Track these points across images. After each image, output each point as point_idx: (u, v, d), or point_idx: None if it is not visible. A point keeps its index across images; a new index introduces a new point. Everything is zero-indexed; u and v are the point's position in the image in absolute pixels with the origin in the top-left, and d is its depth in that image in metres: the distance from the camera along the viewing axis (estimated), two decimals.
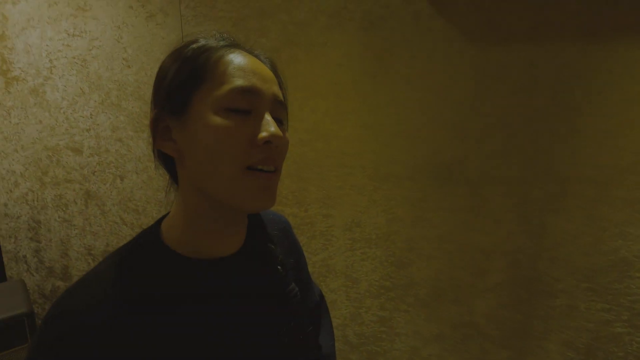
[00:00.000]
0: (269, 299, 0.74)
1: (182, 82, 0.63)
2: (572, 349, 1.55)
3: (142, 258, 0.65)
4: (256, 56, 0.69)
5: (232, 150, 0.60)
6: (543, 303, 1.56)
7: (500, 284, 1.60)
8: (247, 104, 0.62)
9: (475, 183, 1.57)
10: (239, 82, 0.61)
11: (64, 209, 2.20)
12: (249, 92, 0.62)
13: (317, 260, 1.85)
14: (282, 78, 0.73)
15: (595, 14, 1.37)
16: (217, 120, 0.60)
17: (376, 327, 1.81)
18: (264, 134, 0.61)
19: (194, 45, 0.65)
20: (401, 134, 1.63)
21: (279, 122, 0.67)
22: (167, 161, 0.71)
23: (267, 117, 0.63)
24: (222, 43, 0.66)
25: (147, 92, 1.91)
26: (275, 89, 0.66)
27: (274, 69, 0.72)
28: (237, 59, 0.64)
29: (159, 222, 0.71)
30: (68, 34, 1.98)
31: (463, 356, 1.69)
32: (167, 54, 0.68)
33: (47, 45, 2.02)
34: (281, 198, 1.85)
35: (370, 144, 1.68)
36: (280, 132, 0.62)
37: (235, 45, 0.67)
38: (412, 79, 1.59)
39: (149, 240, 0.67)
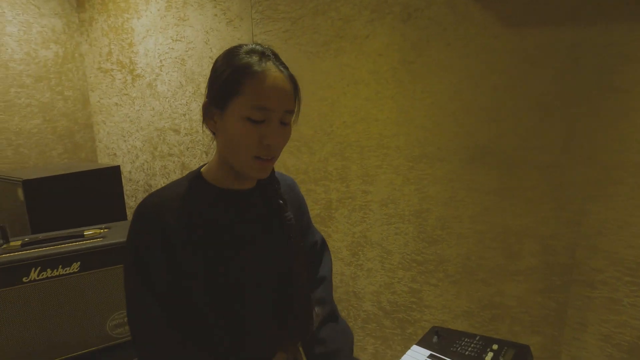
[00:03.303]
0: (270, 220, 0.96)
1: (226, 90, 0.82)
2: (612, 345, 1.34)
3: (190, 184, 0.90)
4: (282, 71, 0.84)
5: (245, 147, 0.82)
6: (579, 293, 1.37)
7: (532, 268, 1.44)
8: (262, 116, 0.81)
9: (508, 165, 1.43)
10: (261, 102, 0.80)
11: (167, 176, 2.50)
12: (266, 110, 0.81)
13: (356, 231, 1.83)
14: (298, 90, 0.89)
15: None
16: (240, 124, 0.81)
17: (407, 298, 1.74)
18: (268, 140, 0.82)
19: (241, 62, 0.82)
20: (435, 118, 1.55)
21: (285, 124, 0.85)
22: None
23: (275, 126, 0.82)
24: (259, 62, 0.82)
25: None
26: (289, 103, 0.84)
27: (293, 82, 0.87)
28: (266, 80, 0.80)
29: (199, 168, 0.95)
30: (172, 40, 2.22)
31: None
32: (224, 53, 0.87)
33: (158, 49, 2.29)
34: (326, 174, 1.86)
35: (406, 127, 1.62)
36: (279, 140, 0.84)
37: (270, 60, 0.83)
38: (448, 66, 1.49)
39: (193, 177, 0.92)
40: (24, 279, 1.64)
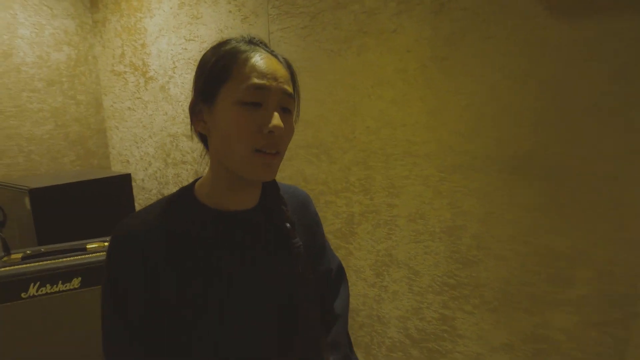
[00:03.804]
0: (274, 248, 0.85)
1: (213, 80, 0.75)
2: None
3: (178, 204, 0.82)
4: (275, 56, 0.78)
5: (243, 137, 0.73)
6: None
7: (585, 297, 1.29)
8: (257, 98, 0.73)
9: (557, 177, 1.30)
10: (253, 80, 0.73)
11: (180, 184, 2.45)
12: (260, 88, 0.73)
13: (380, 248, 1.73)
14: (295, 76, 0.83)
15: None
16: (233, 112, 0.73)
17: (438, 325, 1.61)
18: (268, 126, 0.72)
19: (226, 48, 0.77)
20: (471, 122, 1.44)
21: (287, 111, 0.77)
22: (202, 136, 0.84)
23: (274, 110, 0.74)
24: (247, 46, 0.77)
25: None
26: (285, 85, 0.76)
27: (289, 68, 0.81)
28: (256, 61, 0.74)
29: (194, 181, 0.86)
30: (185, 39, 2.18)
31: None
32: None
33: (171, 49, 2.25)
34: (348, 185, 1.78)
35: (438, 132, 1.51)
36: (281, 124, 0.73)
37: (258, 46, 0.78)
38: (486, 63, 1.38)
39: (184, 193, 0.83)
40: (23, 295, 1.61)
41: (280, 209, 0.88)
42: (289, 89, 0.77)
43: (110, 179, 2.47)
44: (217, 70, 0.75)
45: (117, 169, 3.08)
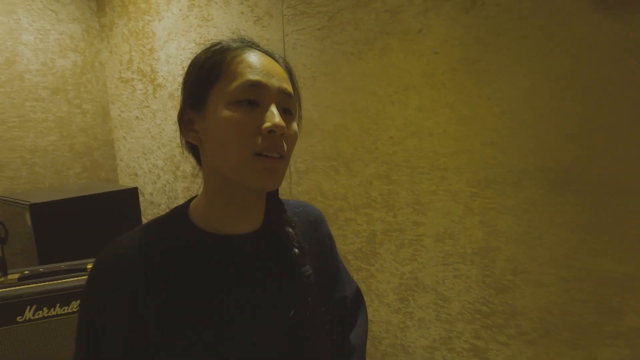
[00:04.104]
0: (279, 278, 0.80)
1: (201, 81, 0.73)
2: None
3: (169, 227, 0.78)
4: (270, 55, 0.77)
5: (240, 139, 0.69)
6: None
7: (638, 329, 1.22)
8: (253, 96, 0.70)
9: (604, 194, 1.24)
10: (247, 77, 0.70)
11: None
12: (256, 86, 0.70)
13: (405, 271, 1.69)
14: (294, 76, 0.81)
15: None
16: (227, 112, 0.69)
17: (469, 357, 1.56)
18: (267, 123, 0.69)
19: (215, 48, 0.75)
20: (506, 131, 1.40)
21: (287, 112, 0.75)
22: (193, 148, 0.82)
23: (273, 108, 0.71)
24: (238, 44, 0.75)
25: None
26: (284, 84, 0.74)
27: (287, 67, 0.80)
28: (248, 57, 0.72)
29: (190, 200, 0.83)
30: (195, 43, 2.20)
31: None
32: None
33: (180, 54, 2.27)
34: (369, 201, 1.75)
35: (469, 143, 1.48)
36: (282, 122, 0.69)
37: (251, 46, 0.76)
38: (523, 64, 1.34)
39: (177, 214, 0.80)
40: (18, 319, 1.61)
41: (286, 232, 0.84)
42: (288, 87, 0.75)
43: (116, 193, 2.47)
44: (206, 70, 0.73)
45: (125, 182, 3.11)
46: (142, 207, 2.90)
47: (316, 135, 1.86)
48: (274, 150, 0.70)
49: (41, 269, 1.83)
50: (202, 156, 0.78)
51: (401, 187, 1.66)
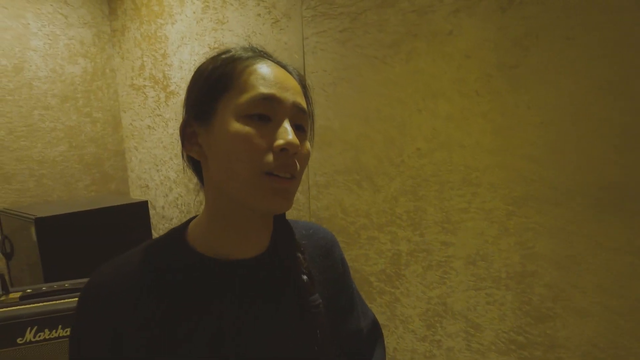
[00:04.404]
0: (285, 308, 0.79)
1: (209, 91, 0.72)
2: None
3: (164, 251, 0.77)
4: (283, 67, 0.77)
5: (249, 156, 0.68)
6: None
7: None
8: (265, 110, 0.69)
9: None
10: (259, 89, 0.69)
11: None
12: (269, 100, 0.69)
13: (432, 295, 1.68)
14: (309, 90, 0.81)
15: None
16: (237, 126, 0.68)
17: None
18: (280, 141, 0.68)
19: (224, 56, 0.75)
20: (547, 144, 1.37)
21: (301, 129, 0.74)
22: (195, 164, 0.81)
23: (286, 124, 0.70)
24: (250, 54, 0.75)
25: None
26: (298, 98, 0.73)
27: (301, 81, 0.79)
28: (261, 68, 0.72)
29: (189, 220, 0.82)
30: (210, 48, 2.23)
31: None
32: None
33: (194, 60, 2.30)
34: (394, 218, 1.73)
35: (505, 156, 1.46)
36: (296, 140, 0.68)
37: (263, 56, 0.76)
38: (567, 70, 1.31)
39: (174, 236, 0.79)
40: (19, 340, 1.63)
41: (295, 258, 0.82)
42: (303, 103, 0.74)
43: (125, 207, 2.52)
44: (215, 80, 0.72)
45: (136, 194, 3.16)
46: (153, 222, 2.94)
47: (337, 146, 1.86)
48: (286, 170, 0.69)
49: (44, 287, 1.85)
50: (205, 173, 0.77)
51: (429, 203, 1.65)
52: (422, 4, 1.57)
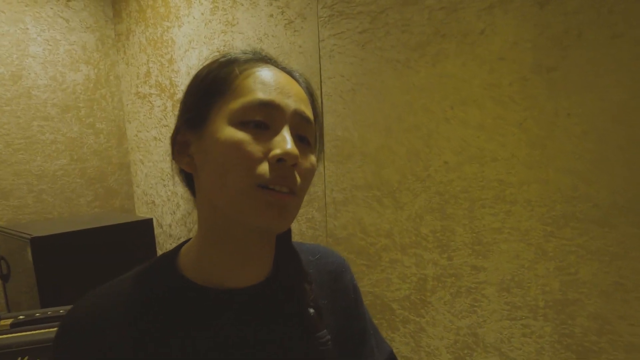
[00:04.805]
0: (289, 343, 0.77)
1: (203, 95, 0.72)
2: None
3: (152, 279, 0.75)
4: (288, 72, 0.76)
5: (242, 165, 0.66)
6: None
7: None
8: (263, 117, 0.68)
9: None
10: (257, 94, 0.69)
11: None
12: (266, 106, 0.69)
13: (462, 325, 1.66)
14: (317, 100, 0.80)
15: None
16: (230, 132, 0.67)
17: None
18: (277, 150, 0.66)
19: (222, 60, 0.74)
20: (591, 156, 1.35)
21: (304, 140, 0.73)
22: (188, 178, 0.81)
23: (285, 132, 0.69)
24: (249, 56, 0.75)
25: None
26: (302, 105, 0.72)
27: (307, 88, 0.79)
28: (261, 72, 0.71)
29: (182, 244, 0.81)
30: (219, 52, 2.24)
31: None
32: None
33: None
34: (419, 239, 1.72)
35: (543, 170, 1.44)
36: (295, 150, 0.67)
37: (266, 60, 0.75)
38: (614, 72, 1.29)
39: (163, 262, 0.78)
40: None
41: (300, 288, 0.80)
42: (307, 111, 0.73)
43: (128, 225, 2.56)
44: (209, 83, 0.71)
45: (142, 211, 3.20)
46: (160, 240, 2.99)
47: (356, 160, 1.85)
48: (283, 184, 0.67)
49: (37, 313, 1.86)
50: (197, 187, 0.76)
51: (458, 223, 1.64)
52: (450, 0, 1.57)
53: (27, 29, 2.75)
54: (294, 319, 0.78)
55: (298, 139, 0.71)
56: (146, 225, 2.59)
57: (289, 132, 0.69)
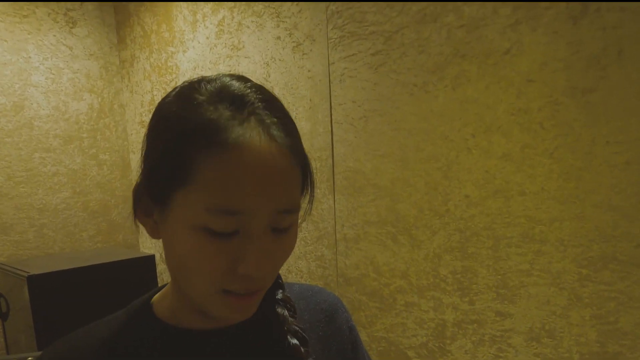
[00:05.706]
0: None
1: (167, 174, 0.62)
2: None
3: (127, 324, 0.74)
4: (273, 138, 0.62)
5: (206, 275, 0.63)
6: None
7: None
8: (231, 226, 0.61)
9: None
10: (224, 201, 0.59)
11: None
12: (237, 214, 0.61)
13: None
14: (309, 165, 0.71)
15: None
16: (192, 238, 0.62)
17: None
18: (244, 268, 0.62)
19: (199, 113, 0.61)
20: (633, 190, 1.28)
21: (281, 232, 0.66)
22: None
23: (257, 242, 0.62)
24: (228, 113, 0.61)
25: None
26: (284, 198, 0.64)
27: (296, 157, 0.66)
28: (232, 161, 0.59)
29: (155, 290, 0.80)
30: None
31: None
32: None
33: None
34: (438, 281, 1.68)
35: (578, 205, 1.38)
36: (265, 265, 0.63)
37: (253, 114, 0.62)
38: None
39: (138, 309, 0.76)
40: None
41: (282, 318, 0.78)
42: (290, 201, 0.65)
43: (129, 261, 2.57)
44: (174, 162, 0.61)
45: (147, 246, 3.20)
46: (164, 277, 2.97)
47: (369, 193, 1.82)
48: (251, 288, 0.66)
49: (30, 358, 1.84)
50: (163, 247, 0.71)
51: (480, 263, 1.59)
52: (472, 16, 1.53)
53: (30, 57, 2.78)
54: (278, 353, 0.77)
55: (274, 232, 0.65)
56: (148, 262, 2.61)
57: (262, 235, 0.63)
